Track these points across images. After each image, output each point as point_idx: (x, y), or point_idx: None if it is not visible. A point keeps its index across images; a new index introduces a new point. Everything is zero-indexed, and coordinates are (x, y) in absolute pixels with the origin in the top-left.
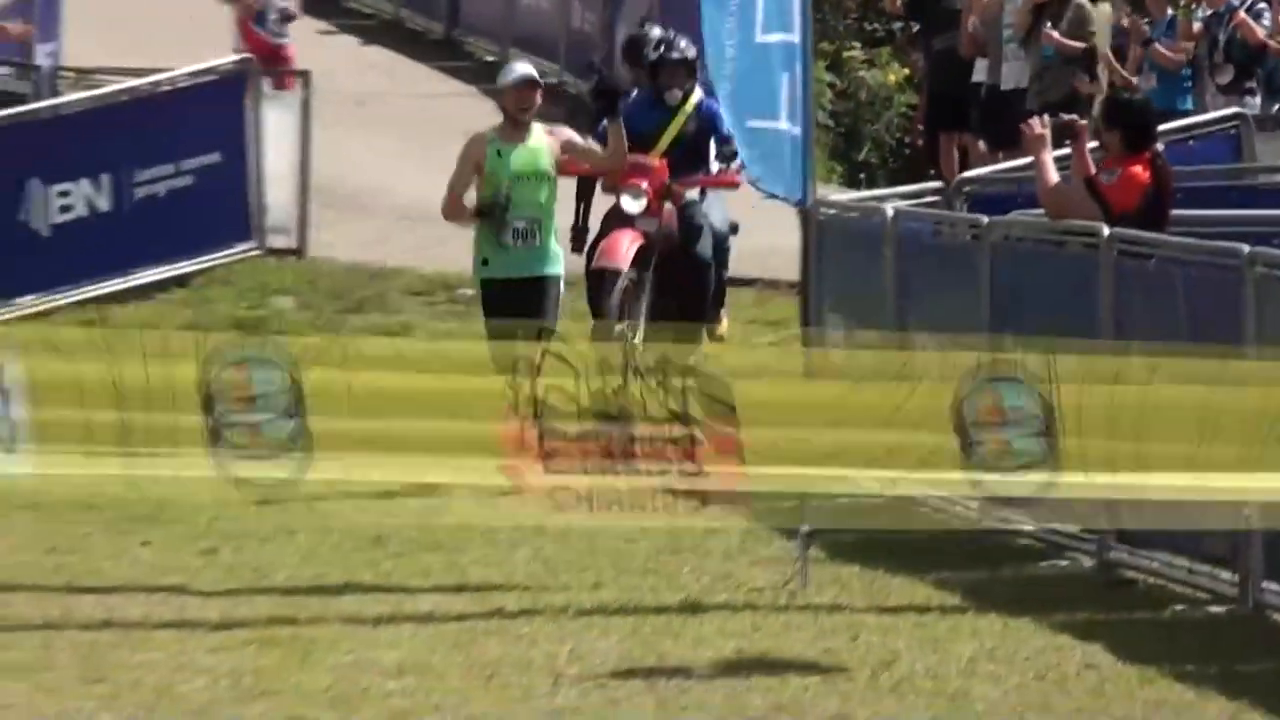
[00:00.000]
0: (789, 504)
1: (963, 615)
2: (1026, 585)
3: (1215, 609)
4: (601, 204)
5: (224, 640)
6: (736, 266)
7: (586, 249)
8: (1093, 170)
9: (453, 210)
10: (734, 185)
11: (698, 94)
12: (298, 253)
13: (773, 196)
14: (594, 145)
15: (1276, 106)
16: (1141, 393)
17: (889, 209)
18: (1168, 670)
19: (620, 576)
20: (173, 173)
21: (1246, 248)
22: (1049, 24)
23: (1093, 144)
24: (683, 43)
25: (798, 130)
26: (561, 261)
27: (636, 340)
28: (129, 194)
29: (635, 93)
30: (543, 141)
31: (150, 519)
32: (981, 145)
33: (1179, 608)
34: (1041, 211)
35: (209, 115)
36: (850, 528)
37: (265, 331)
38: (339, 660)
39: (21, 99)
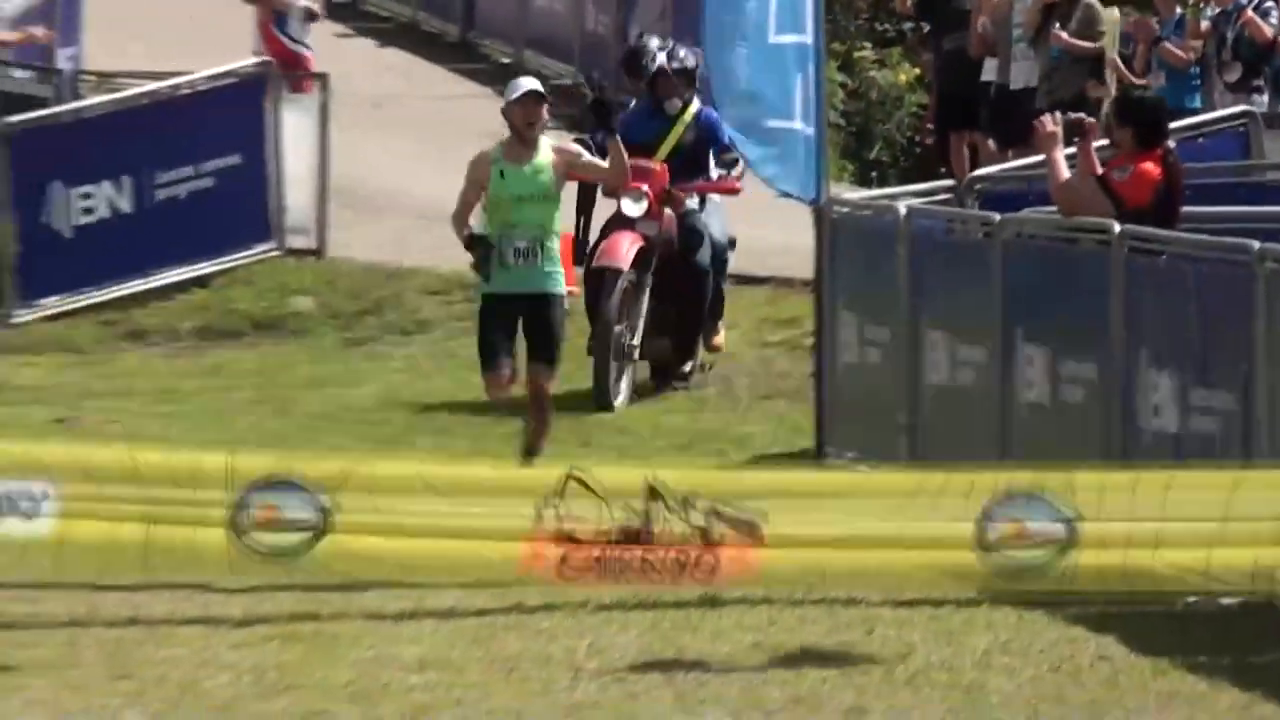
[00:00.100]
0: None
1: (976, 609)
2: None
3: (1227, 601)
4: (601, 217)
5: (247, 636)
6: (750, 264)
7: (587, 254)
8: (1098, 169)
9: (455, 225)
10: (734, 191)
11: (696, 103)
12: (317, 253)
13: (786, 195)
14: (599, 162)
15: None
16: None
17: (902, 207)
18: (1180, 662)
19: None
20: (193, 175)
21: (1257, 244)
22: (1058, 24)
23: (1102, 142)
24: (682, 52)
25: (811, 130)
26: (563, 281)
27: (635, 341)
28: (150, 196)
29: (634, 102)
30: (548, 158)
31: None
32: (991, 144)
33: (1191, 600)
34: (1053, 209)
35: (229, 118)
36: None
37: (285, 330)
38: (361, 655)
39: (43, 102)
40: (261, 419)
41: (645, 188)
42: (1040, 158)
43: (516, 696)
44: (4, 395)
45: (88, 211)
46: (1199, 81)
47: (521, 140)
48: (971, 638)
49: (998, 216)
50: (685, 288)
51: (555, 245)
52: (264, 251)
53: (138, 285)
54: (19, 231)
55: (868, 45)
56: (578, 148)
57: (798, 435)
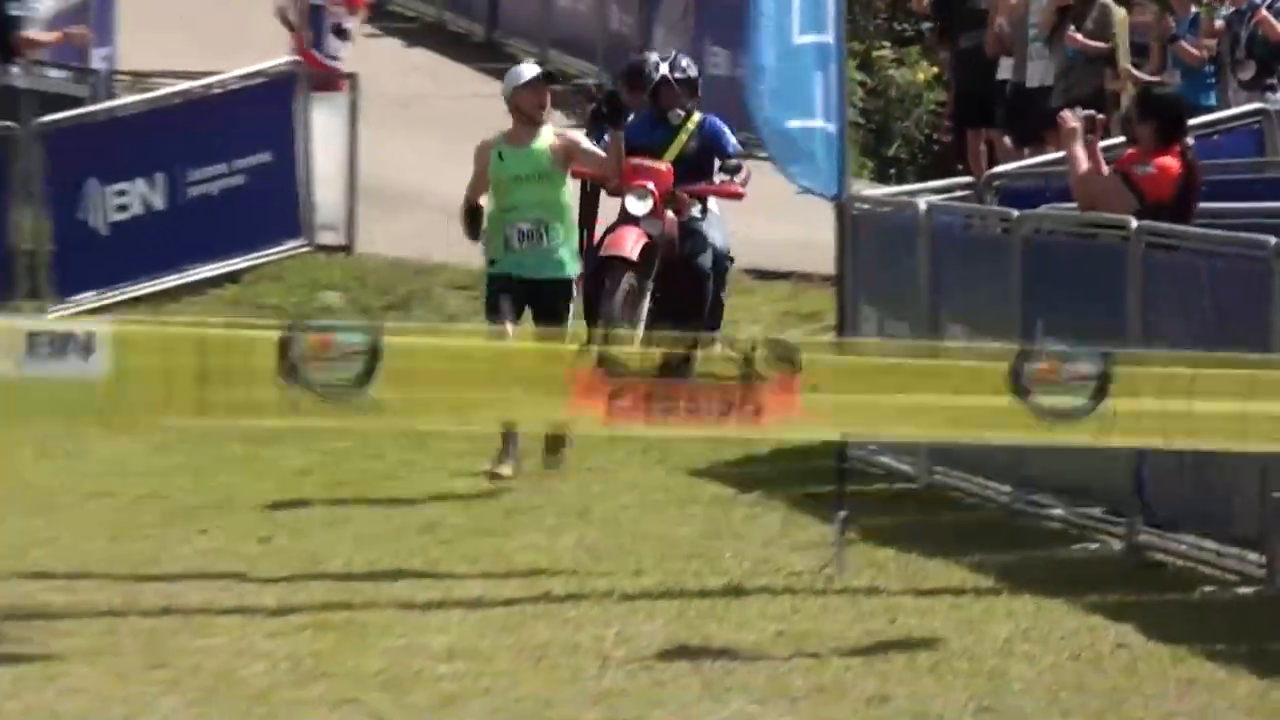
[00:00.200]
0: (828, 489)
1: (997, 597)
2: (1058, 568)
3: (1243, 590)
4: (603, 222)
5: (281, 626)
6: (772, 259)
7: (587, 257)
8: (1104, 168)
9: (461, 209)
10: (737, 196)
11: (699, 113)
12: (346, 249)
13: (808, 191)
14: (598, 151)
15: None
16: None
17: (922, 203)
18: (1198, 650)
19: (663, 562)
20: (225, 172)
21: (1273, 239)
22: (1072, 25)
23: (1117, 140)
24: (684, 62)
25: (833, 127)
26: (571, 265)
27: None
28: (183, 193)
29: (633, 116)
30: (548, 142)
31: (211, 509)
32: (1007, 141)
33: (1208, 589)
34: (1071, 205)
35: (260, 116)
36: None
37: None
38: (392, 644)
39: (79, 102)
40: None
41: (650, 185)
42: (1057, 155)
43: (545, 685)
44: None
45: (122, 208)
46: (1214, 80)
47: (525, 125)
48: (992, 626)
49: (1016, 212)
50: (686, 291)
51: (560, 229)
52: (294, 247)
53: (171, 280)
54: (55, 228)
55: (886, 44)
56: (578, 135)
57: None
